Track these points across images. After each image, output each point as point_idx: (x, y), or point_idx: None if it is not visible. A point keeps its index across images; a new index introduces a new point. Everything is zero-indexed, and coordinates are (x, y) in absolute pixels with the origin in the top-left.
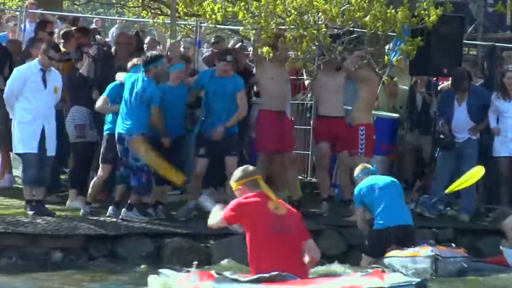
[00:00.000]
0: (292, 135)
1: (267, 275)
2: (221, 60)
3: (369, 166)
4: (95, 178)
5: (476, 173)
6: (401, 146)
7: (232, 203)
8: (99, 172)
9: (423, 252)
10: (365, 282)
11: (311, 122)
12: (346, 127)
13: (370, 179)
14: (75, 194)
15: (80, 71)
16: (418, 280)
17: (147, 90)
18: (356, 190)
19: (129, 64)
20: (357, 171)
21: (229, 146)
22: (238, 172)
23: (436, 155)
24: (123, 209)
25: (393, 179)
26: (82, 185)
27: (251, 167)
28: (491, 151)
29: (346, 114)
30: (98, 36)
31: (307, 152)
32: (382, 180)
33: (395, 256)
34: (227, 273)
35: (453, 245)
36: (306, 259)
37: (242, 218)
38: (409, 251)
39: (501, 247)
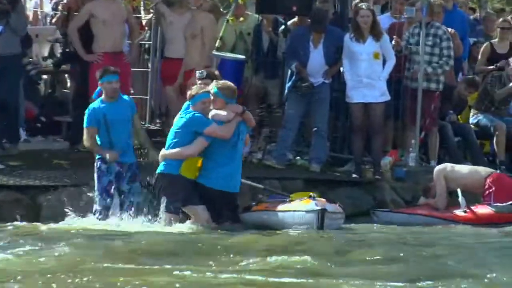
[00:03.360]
0: (128, 79)
1: None
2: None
3: None
4: None
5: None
6: (247, 90)
7: None
8: None
9: (307, 206)
10: None
11: (149, 65)
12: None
13: None
14: None
15: None
16: None
17: None
18: None
19: None
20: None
21: None
22: None
23: (284, 100)
24: None
25: None
26: None
27: None
28: (342, 96)
29: None
30: None
31: (146, 97)
32: None
33: (266, 210)
34: None
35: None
36: None
37: None
38: (285, 205)
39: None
